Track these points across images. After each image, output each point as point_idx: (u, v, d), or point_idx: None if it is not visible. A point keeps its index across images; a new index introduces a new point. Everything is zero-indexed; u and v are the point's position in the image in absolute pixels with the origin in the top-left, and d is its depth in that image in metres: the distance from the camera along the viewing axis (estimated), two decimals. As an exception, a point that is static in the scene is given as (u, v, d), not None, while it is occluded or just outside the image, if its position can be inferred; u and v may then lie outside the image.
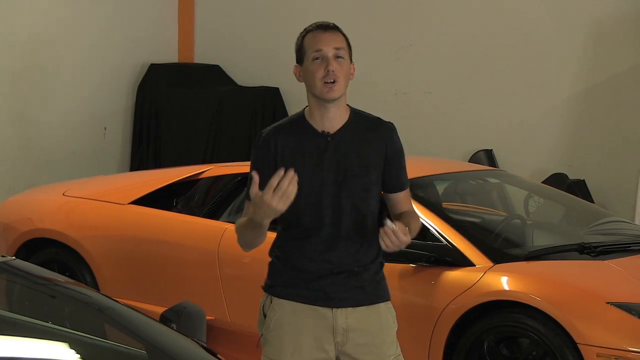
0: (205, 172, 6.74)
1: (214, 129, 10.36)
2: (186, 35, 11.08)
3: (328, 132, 3.85)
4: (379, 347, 3.90)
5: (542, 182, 8.20)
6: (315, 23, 3.91)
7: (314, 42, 3.84)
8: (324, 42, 3.83)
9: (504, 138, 9.40)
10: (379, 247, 3.81)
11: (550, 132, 9.22)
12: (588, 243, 5.74)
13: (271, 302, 3.92)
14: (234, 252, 6.13)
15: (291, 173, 3.58)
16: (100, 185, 7.12)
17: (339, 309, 3.86)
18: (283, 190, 3.57)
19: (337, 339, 3.86)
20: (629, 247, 5.89)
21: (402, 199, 3.94)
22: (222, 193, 6.52)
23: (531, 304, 5.23)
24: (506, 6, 9.41)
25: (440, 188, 6.35)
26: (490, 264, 5.51)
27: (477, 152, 9.38)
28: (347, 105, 3.92)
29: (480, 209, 6.52)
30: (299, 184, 3.66)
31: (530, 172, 8.94)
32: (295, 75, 3.91)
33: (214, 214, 6.42)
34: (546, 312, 5.18)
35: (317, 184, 3.82)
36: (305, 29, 3.90)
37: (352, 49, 3.94)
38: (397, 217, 3.91)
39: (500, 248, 5.78)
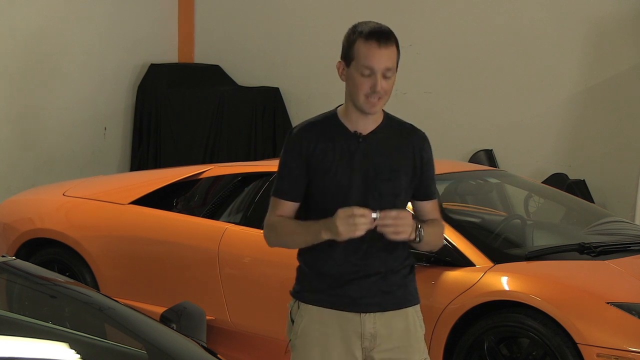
0: (206, 172, 6.73)
1: (214, 129, 10.37)
2: (186, 36, 11.09)
3: (360, 133, 3.81)
4: (405, 352, 3.85)
5: (542, 182, 8.20)
6: (371, 27, 3.77)
7: (366, 57, 3.73)
8: (376, 61, 3.72)
9: (504, 138, 9.40)
10: (408, 250, 3.86)
11: (551, 132, 9.22)
12: (588, 243, 5.74)
13: (298, 308, 3.88)
14: (234, 252, 6.13)
15: (372, 216, 3.63)
16: (100, 185, 7.12)
17: (367, 314, 3.81)
18: (354, 223, 3.61)
19: (365, 344, 3.82)
20: (629, 247, 5.88)
21: (429, 209, 3.90)
22: (222, 193, 6.51)
23: (531, 304, 5.23)
24: (506, 6, 9.41)
25: (440, 188, 6.33)
26: (490, 264, 5.51)
27: (477, 152, 9.38)
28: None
29: (480, 209, 6.52)
30: (328, 184, 3.75)
31: (530, 172, 8.94)
32: (338, 70, 3.84)
33: (214, 214, 6.42)
34: (546, 312, 5.18)
35: (346, 185, 3.77)
36: (359, 29, 3.78)
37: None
38: None
39: (500, 248, 5.78)
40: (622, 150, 8.86)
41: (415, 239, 3.74)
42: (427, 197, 3.90)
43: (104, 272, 6.51)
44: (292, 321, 3.90)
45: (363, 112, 3.78)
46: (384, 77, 3.75)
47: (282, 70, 10.63)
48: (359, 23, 3.84)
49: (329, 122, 3.85)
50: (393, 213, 3.65)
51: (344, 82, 3.86)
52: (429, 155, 3.89)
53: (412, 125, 3.91)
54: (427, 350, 3.95)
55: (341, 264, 3.78)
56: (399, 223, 3.66)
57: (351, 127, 3.82)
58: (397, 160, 3.80)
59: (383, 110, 3.88)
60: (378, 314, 3.81)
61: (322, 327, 3.83)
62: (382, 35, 3.75)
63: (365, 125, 3.82)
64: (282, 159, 3.86)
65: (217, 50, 10.99)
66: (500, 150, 9.40)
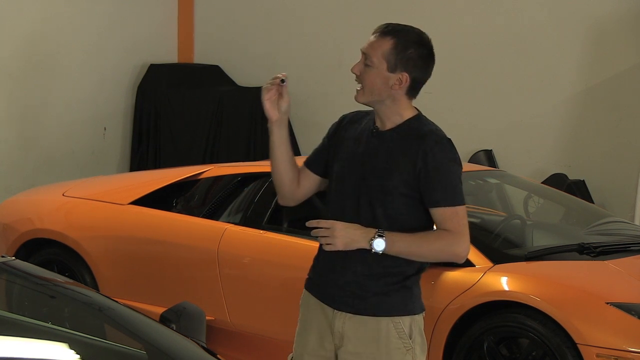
0: (205, 173, 6.74)
1: (214, 129, 10.37)
2: (186, 36, 11.09)
3: (377, 129, 3.83)
4: None
5: (542, 183, 8.20)
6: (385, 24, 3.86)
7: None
8: (364, 45, 3.81)
9: (504, 138, 9.40)
10: (406, 260, 3.76)
11: (550, 133, 9.22)
12: (588, 243, 5.74)
13: (304, 292, 3.98)
14: (233, 252, 6.13)
15: (280, 78, 3.87)
16: (100, 186, 7.12)
17: (339, 312, 3.83)
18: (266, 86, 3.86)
19: (335, 341, 3.84)
20: (629, 247, 5.89)
21: (438, 217, 3.73)
22: (222, 193, 6.52)
23: (531, 304, 5.23)
24: (506, 6, 9.41)
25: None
26: (490, 264, 5.51)
27: (477, 152, 9.39)
28: (416, 108, 3.88)
29: (480, 209, 6.52)
30: (336, 170, 3.83)
31: (529, 172, 8.94)
32: None
33: (213, 214, 6.42)
34: (546, 312, 5.18)
35: (346, 174, 3.83)
36: None
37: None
38: None
39: (500, 248, 5.78)
40: (622, 150, 8.86)
41: (370, 249, 3.71)
42: (432, 204, 3.73)
43: (104, 272, 6.51)
44: None
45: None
46: (364, 63, 3.79)
47: (282, 71, 10.55)
48: None
49: (368, 116, 3.91)
50: (323, 222, 3.73)
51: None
52: (438, 161, 3.74)
53: (430, 129, 3.83)
54: None
55: (329, 255, 3.82)
56: (320, 232, 3.73)
57: (376, 123, 3.86)
58: (395, 160, 3.76)
59: (418, 113, 3.88)
60: (349, 314, 3.81)
61: (307, 313, 3.92)
62: (381, 27, 3.83)
63: (384, 122, 3.84)
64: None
65: (216, 50, 10.99)
66: (499, 150, 9.40)
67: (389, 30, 3.80)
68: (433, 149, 3.75)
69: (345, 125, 3.92)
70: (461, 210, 3.77)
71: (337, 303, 3.83)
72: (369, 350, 3.80)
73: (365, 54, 3.78)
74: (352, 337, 3.81)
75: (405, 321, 3.81)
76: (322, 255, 3.88)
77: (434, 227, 3.82)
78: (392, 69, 3.78)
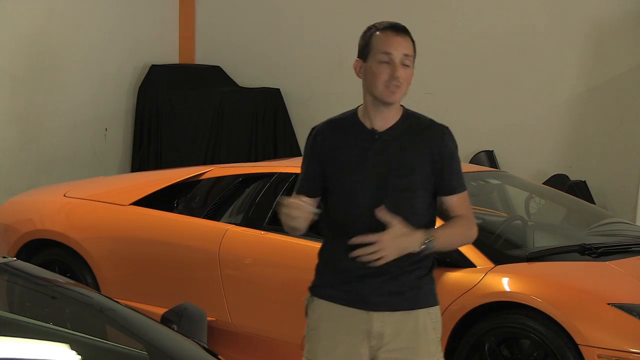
0: (206, 173, 6.73)
1: (215, 130, 10.37)
2: (187, 37, 11.09)
3: (376, 130, 3.82)
4: (412, 354, 3.83)
5: (543, 183, 8.20)
6: (386, 22, 3.85)
7: (384, 43, 3.78)
8: (394, 46, 3.77)
9: (505, 139, 9.41)
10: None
11: (551, 133, 9.22)
12: (589, 244, 5.73)
13: (312, 302, 3.92)
14: (235, 253, 6.14)
15: (301, 201, 3.67)
16: (101, 187, 7.12)
17: (375, 313, 3.81)
18: (285, 210, 3.68)
19: (372, 343, 3.82)
20: (630, 248, 5.88)
21: (453, 203, 3.85)
22: (223, 194, 6.52)
23: (532, 305, 5.23)
24: (506, 7, 9.41)
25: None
26: (491, 265, 5.51)
27: (478, 153, 9.39)
28: (401, 105, 3.88)
29: (481, 210, 6.51)
30: (342, 181, 3.78)
31: (531, 173, 8.94)
32: (355, 69, 3.86)
33: (215, 215, 6.42)
34: (547, 313, 5.18)
35: (359, 181, 3.79)
36: (374, 25, 3.84)
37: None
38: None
39: (501, 249, 5.78)
40: (623, 151, 8.86)
41: (421, 253, 3.75)
42: (450, 191, 3.85)
43: (105, 273, 6.51)
44: (307, 314, 3.95)
45: (382, 101, 3.79)
46: (403, 64, 3.77)
47: (283, 71, 10.63)
48: (374, 23, 3.89)
49: (348, 120, 3.88)
50: (368, 238, 3.67)
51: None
52: (449, 149, 3.85)
53: (431, 120, 3.90)
54: (441, 354, 3.92)
55: (353, 260, 3.76)
56: (368, 250, 3.67)
57: (369, 125, 3.84)
58: (412, 156, 3.80)
59: (403, 107, 3.89)
60: (387, 313, 3.81)
61: (331, 322, 3.86)
62: (399, 27, 3.84)
63: (383, 121, 3.83)
64: (302, 159, 3.95)
65: (217, 51, 10.99)
66: (501, 151, 9.40)
67: (406, 29, 3.84)
68: (444, 140, 3.86)
69: (326, 136, 3.88)
70: (468, 194, 3.91)
71: (372, 304, 3.81)
72: (411, 345, 3.83)
73: (406, 55, 3.78)
74: (393, 334, 3.82)
75: (435, 311, 3.90)
76: (340, 261, 3.82)
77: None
78: (413, 68, 3.85)
